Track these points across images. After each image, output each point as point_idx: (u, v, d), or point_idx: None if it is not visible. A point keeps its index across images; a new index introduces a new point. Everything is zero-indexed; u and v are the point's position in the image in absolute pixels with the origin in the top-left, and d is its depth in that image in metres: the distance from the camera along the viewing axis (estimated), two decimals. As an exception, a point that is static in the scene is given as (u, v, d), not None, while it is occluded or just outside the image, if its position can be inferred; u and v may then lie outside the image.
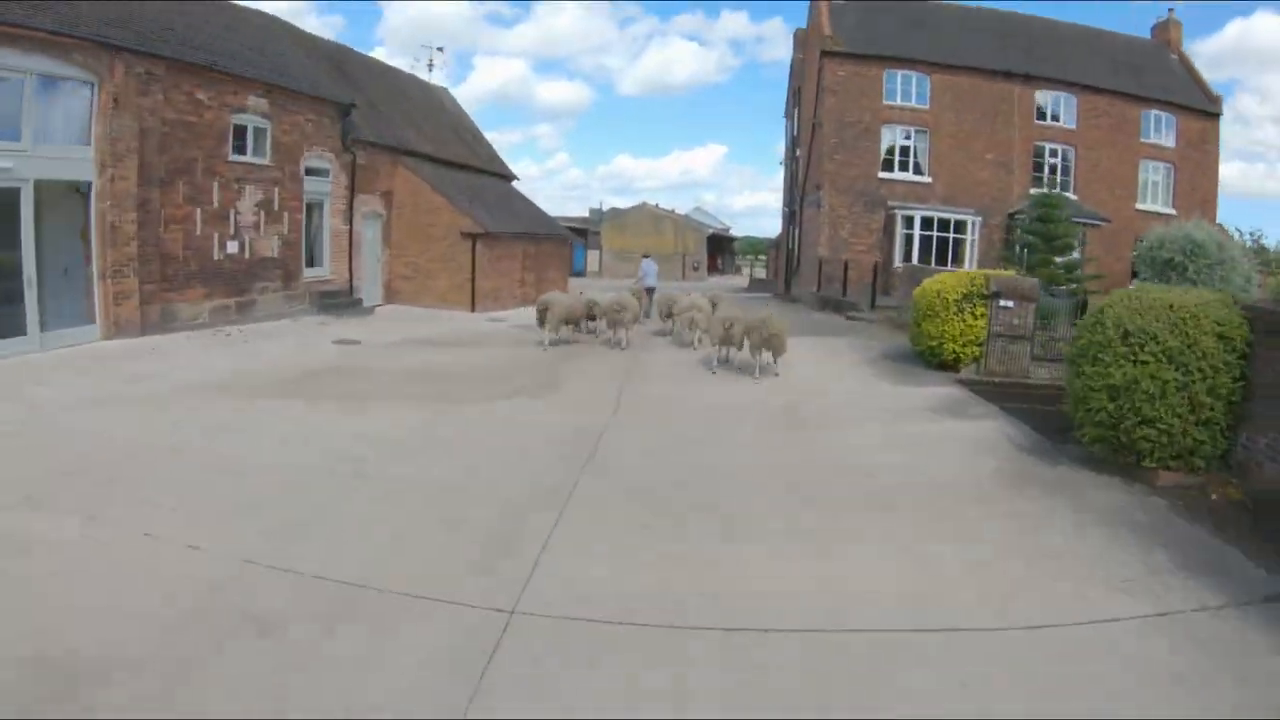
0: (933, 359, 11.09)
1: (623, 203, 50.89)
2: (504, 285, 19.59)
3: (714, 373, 11.35)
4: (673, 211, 51.23)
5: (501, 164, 25.67)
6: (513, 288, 20.04)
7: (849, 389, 9.93)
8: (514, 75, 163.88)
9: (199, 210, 13.45)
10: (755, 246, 61.34)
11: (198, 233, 13.46)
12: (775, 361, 10.93)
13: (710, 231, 52.58)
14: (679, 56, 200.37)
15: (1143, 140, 26.32)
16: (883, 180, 23.81)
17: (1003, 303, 10.93)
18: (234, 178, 14.18)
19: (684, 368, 11.98)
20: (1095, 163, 25.26)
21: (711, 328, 12.29)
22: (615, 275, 46.25)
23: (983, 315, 10.84)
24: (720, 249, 58.91)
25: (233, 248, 14.25)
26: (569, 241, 24.93)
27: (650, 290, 19.37)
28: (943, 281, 11.01)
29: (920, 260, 22.90)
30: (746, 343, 11.24)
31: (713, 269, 53.11)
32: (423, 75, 26.07)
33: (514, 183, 25.72)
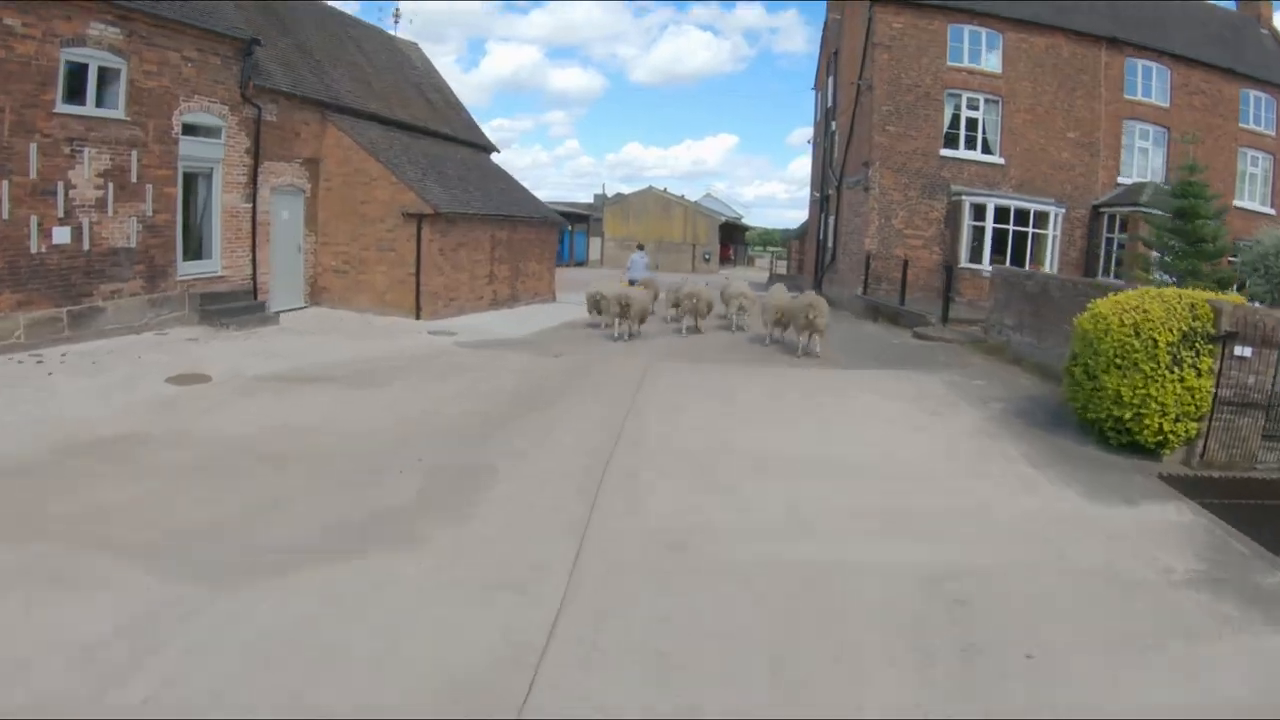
0: (1117, 434, 6.72)
1: (631, 190, 46.03)
2: (463, 283, 15.24)
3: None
4: (682, 197, 46.67)
5: (478, 133, 21.21)
6: (476, 286, 15.69)
7: (1007, 511, 5.48)
8: (527, 62, 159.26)
9: (4, 183, 9.19)
10: (768, 238, 56.70)
11: (3, 215, 9.21)
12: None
13: (723, 219, 48.01)
14: (692, 46, 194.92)
15: (1241, 125, 21.76)
16: (945, 160, 19.30)
17: (1239, 350, 6.57)
18: (65, 138, 9.87)
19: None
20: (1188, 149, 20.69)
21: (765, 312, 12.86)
22: (619, 264, 41.88)
23: (1209, 370, 6.49)
24: (733, 238, 54.35)
25: (61, 236, 9.96)
26: (558, 227, 20.52)
27: (634, 283, 17.45)
28: (1141, 307, 6.59)
29: (993, 259, 18.46)
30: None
31: (725, 260, 48.62)
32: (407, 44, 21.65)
33: (495, 156, 21.28)
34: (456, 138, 19.09)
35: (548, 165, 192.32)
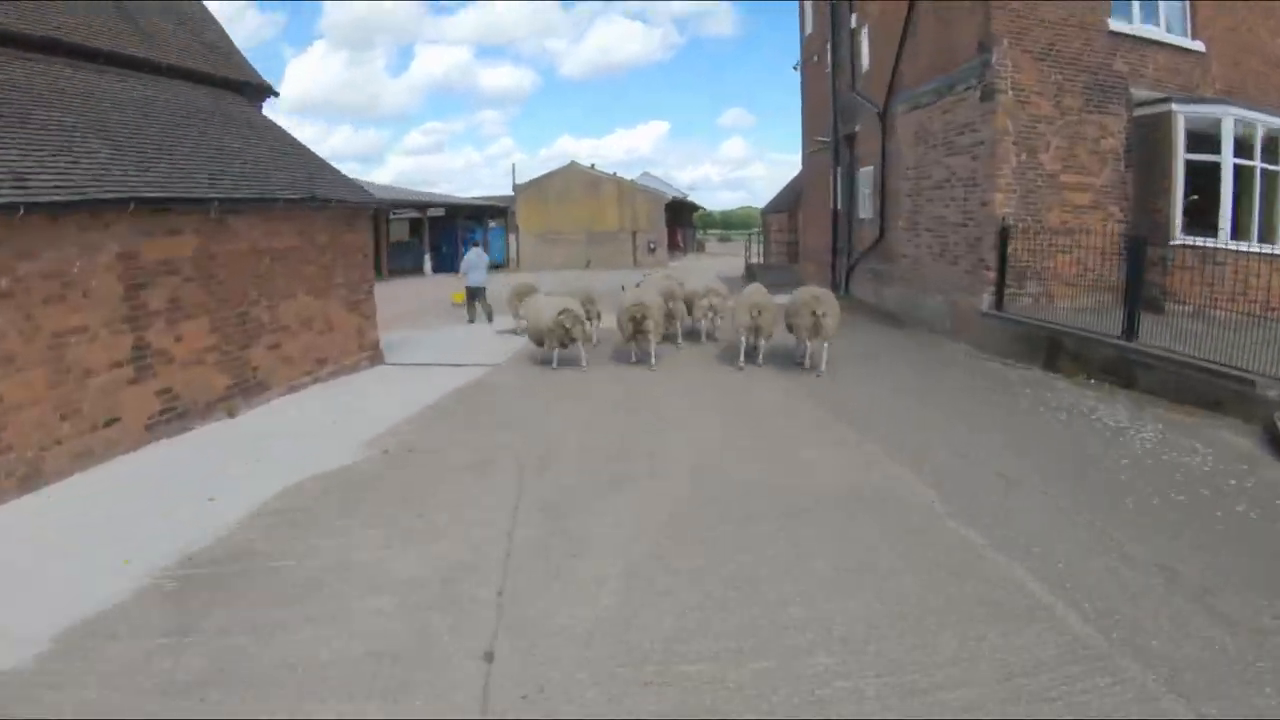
0: None
1: (549, 170, 35.91)
2: (69, 376, 5.25)
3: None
4: (615, 175, 36.93)
5: (247, 70, 10.98)
6: (80, 392, 5.67)
7: None
8: (457, 63, 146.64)
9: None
10: (732, 220, 47.50)
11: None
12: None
13: (670, 198, 38.48)
14: (622, 36, 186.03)
15: None
16: (1117, 39, 10.21)
17: None
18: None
19: None
20: None
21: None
22: (541, 266, 32.01)
23: None
24: (680, 220, 44.89)
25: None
26: (364, 218, 10.17)
27: (474, 292, 14.74)
28: None
29: (1235, 224, 9.51)
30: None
31: (674, 248, 39.16)
32: None
33: (274, 103, 11.10)
34: (200, 75, 8.86)
35: (480, 165, 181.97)
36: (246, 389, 7.37)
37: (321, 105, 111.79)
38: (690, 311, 11.15)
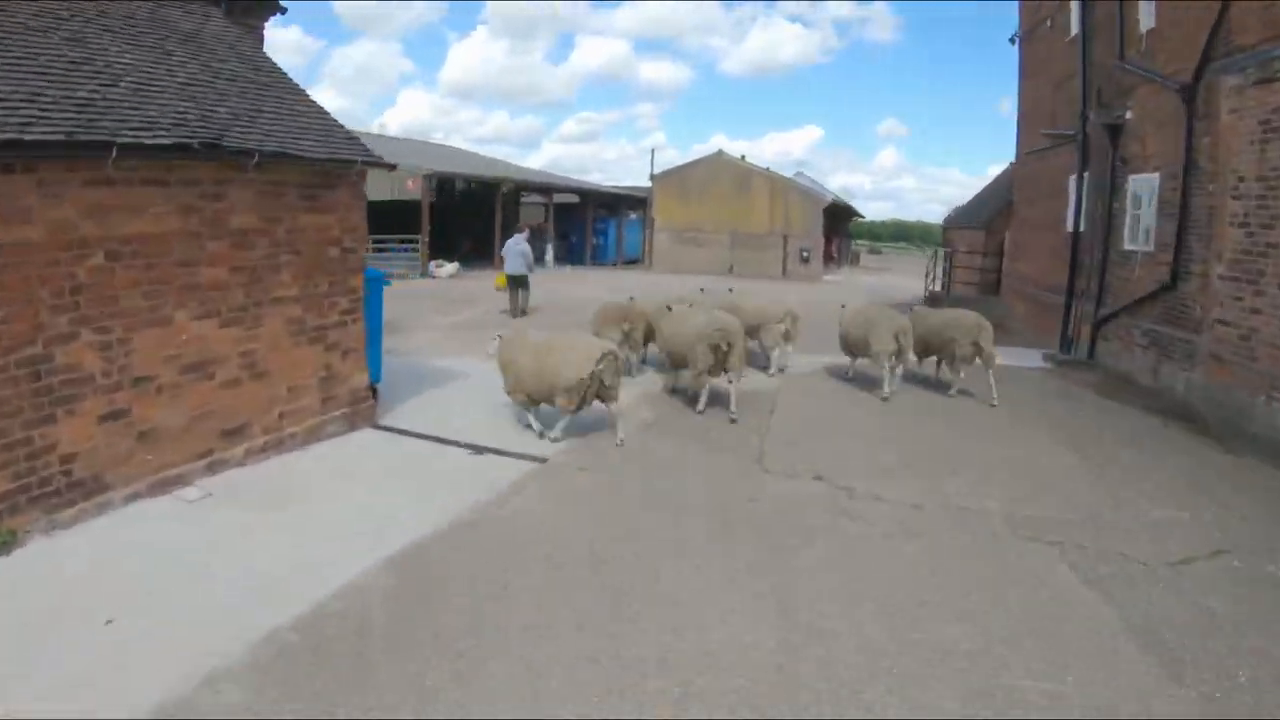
0: None
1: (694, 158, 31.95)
2: None
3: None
4: (767, 170, 32.25)
5: None
6: None
7: None
8: (616, 55, 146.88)
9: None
10: (871, 231, 41.38)
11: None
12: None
13: (829, 200, 33.36)
14: (781, 38, 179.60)
15: None
16: None
17: None
18: None
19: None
20: None
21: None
22: (678, 267, 28.29)
23: None
24: (838, 229, 39.48)
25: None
26: (349, 188, 6.44)
27: (517, 282, 13.92)
28: None
29: None
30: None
31: (828, 258, 34.05)
32: None
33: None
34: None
35: (633, 157, 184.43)
36: (43, 497, 4.14)
37: (480, 89, 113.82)
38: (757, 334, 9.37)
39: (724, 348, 7.05)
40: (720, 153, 30.98)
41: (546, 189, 28.74)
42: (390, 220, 20.21)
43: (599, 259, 31.19)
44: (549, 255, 26.61)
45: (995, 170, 36.60)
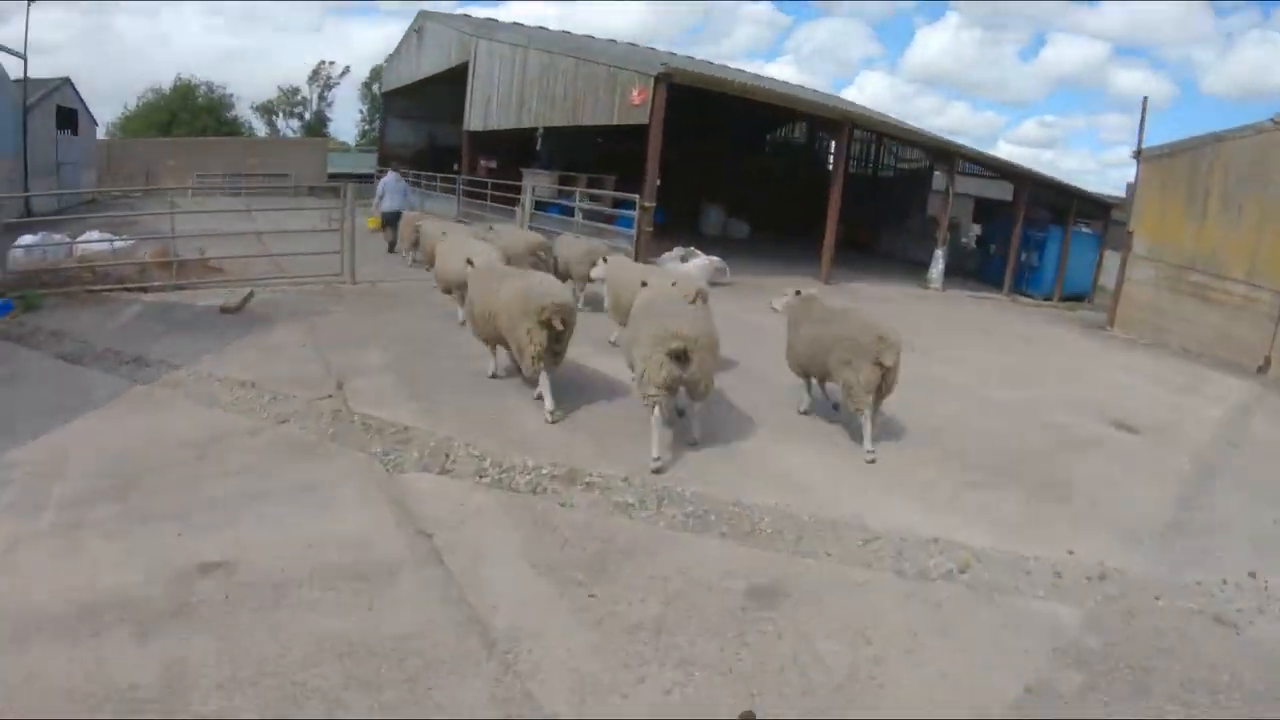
0: None
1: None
2: None
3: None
4: None
5: None
6: None
7: None
8: (1089, 58, 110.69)
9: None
10: None
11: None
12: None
13: None
14: (1277, 57, 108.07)
15: None
16: None
17: None
18: None
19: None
20: None
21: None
22: (1162, 334, 13.75)
23: None
24: None
25: None
26: None
27: (390, 218, 13.31)
28: None
29: None
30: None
31: None
32: None
33: None
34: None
35: (1093, 171, 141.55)
36: None
37: (943, 78, 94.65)
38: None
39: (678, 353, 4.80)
40: (1269, 123, 14.01)
41: (943, 153, 17.48)
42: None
43: (1028, 285, 18.57)
44: (938, 265, 15.57)
45: None
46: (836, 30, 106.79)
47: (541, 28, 23.25)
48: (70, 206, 18.66)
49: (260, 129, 44.83)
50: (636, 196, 12.49)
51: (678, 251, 13.05)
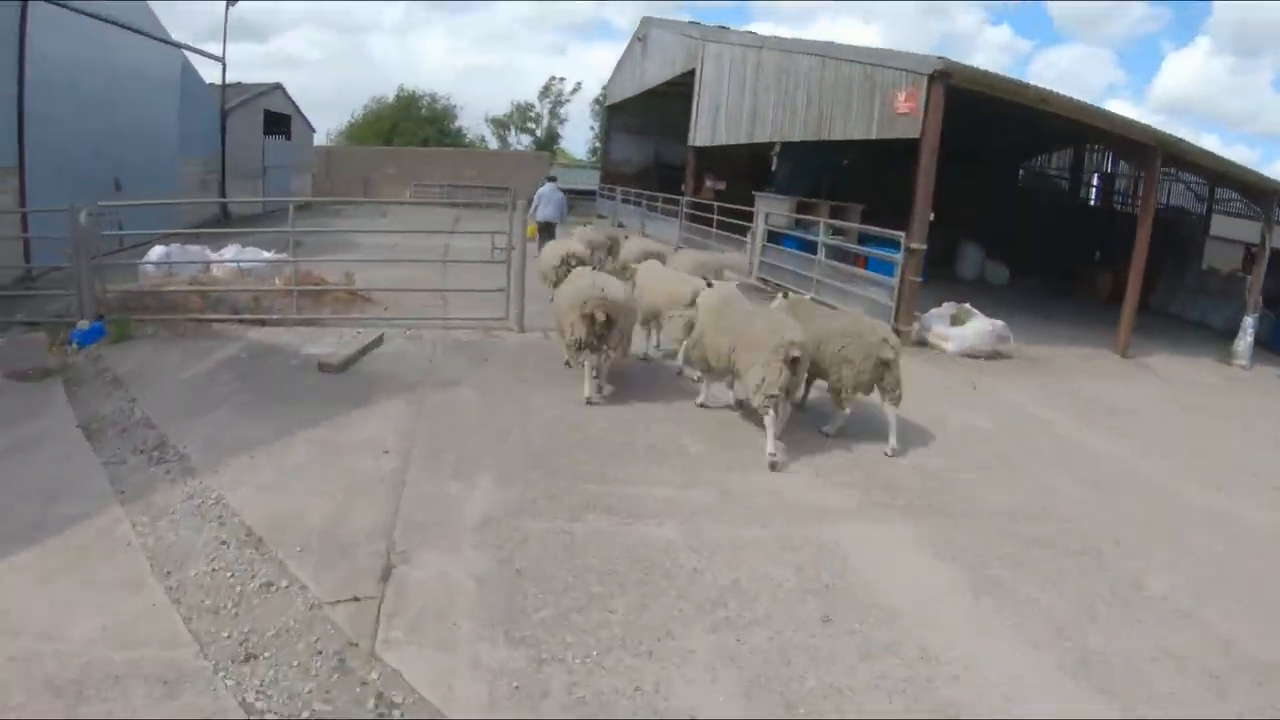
0: None
1: None
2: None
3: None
4: None
5: None
6: None
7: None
8: None
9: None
10: None
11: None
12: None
13: None
14: None
15: None
16: None
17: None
18: None
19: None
20: None
21: None
22: None
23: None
24: None
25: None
26: None
27: (546, 228, 12.28)
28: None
29: None
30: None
31: None
32: None
33: None
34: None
35: None
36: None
37: (1193, 107, 76.71)
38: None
39: None
40: None
41: (1259, 192, 12.00)
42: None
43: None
44: (1247, 336, 10.54)
45: None
46: (1078, 56, 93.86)
47: (775, 37, 20.14)
48: (274, 211, 18.60)
49: (492, 143, 45.94)
50: (900, 235, 8.88)
51: (948, 308, 9.30)
